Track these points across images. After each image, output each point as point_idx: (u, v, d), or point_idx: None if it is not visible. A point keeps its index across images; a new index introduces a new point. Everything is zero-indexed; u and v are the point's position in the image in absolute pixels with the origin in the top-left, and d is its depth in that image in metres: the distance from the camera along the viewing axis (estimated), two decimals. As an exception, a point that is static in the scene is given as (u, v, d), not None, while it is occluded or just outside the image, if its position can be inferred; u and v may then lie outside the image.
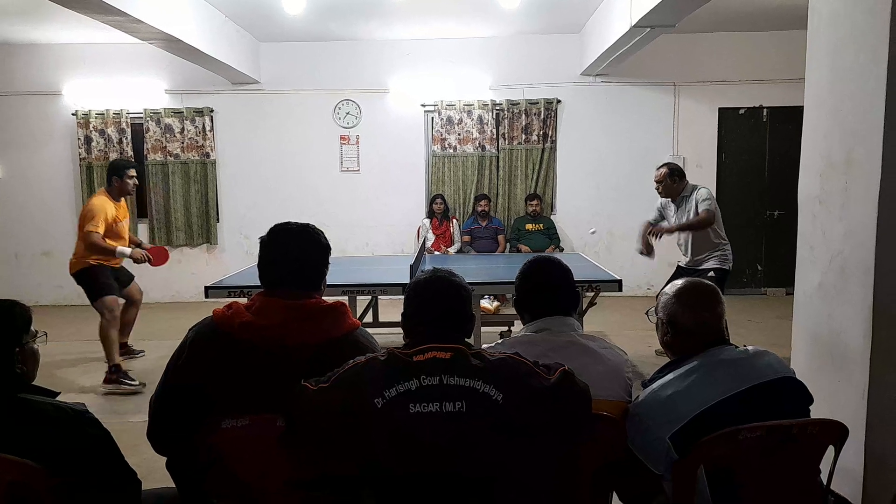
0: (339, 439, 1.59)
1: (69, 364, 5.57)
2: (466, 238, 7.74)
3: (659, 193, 5.25)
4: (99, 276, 4.98)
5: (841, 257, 2.34)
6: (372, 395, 1.55)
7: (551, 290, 2.12)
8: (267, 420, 1.72)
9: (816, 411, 1.88)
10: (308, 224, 2.07)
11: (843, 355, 2.29)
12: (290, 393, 1.68)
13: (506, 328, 5.91)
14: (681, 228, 5.12)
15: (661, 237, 5.13)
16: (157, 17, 5.28)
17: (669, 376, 1.83)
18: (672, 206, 5.23)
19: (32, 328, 1.86)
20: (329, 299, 1.98)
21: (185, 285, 8.08)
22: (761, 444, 1.69)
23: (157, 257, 5.36)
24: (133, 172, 5.12)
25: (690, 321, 1.88)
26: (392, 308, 6.34)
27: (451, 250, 7.63)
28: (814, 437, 1.74)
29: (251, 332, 1.84)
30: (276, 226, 2.06)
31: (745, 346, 1.91)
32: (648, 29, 5.59)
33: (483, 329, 5.10)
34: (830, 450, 1.78)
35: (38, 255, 8.02)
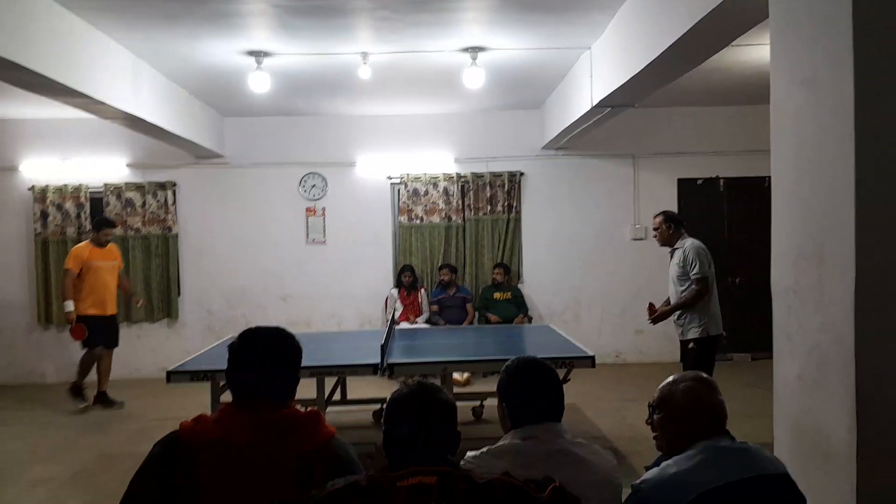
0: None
1: (24, 451, 5.28)
2: (435, 308, 7.70)
3: (657, 241, 5.18)
4: None
5: (819, 350, 2.35)
6: None
7: (538, 396, 2.07)
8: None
9: (806, 511, 1.86)
10: (280, 329, 2.01)
11: (828, 452, 2.27)
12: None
13: (478, 403, 5.82)
14: (677, 308, 4.88)
15: (656, 321, 5.02)
16: (119, 98, 5.23)
17: (674, 458, 1.87)
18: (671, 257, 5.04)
19: None
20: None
21: (144, 362, 7.79)
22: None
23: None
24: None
25: (718, 404, 1.95)
26: (362, 384, 6.16)
27: (420, 320, 7.56)
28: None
29: (220, 450, 1.75)
30: (246, 332, 1.98)
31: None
32: (609, 109, 5.75)
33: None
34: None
35: (-13, 334, 7.67)
